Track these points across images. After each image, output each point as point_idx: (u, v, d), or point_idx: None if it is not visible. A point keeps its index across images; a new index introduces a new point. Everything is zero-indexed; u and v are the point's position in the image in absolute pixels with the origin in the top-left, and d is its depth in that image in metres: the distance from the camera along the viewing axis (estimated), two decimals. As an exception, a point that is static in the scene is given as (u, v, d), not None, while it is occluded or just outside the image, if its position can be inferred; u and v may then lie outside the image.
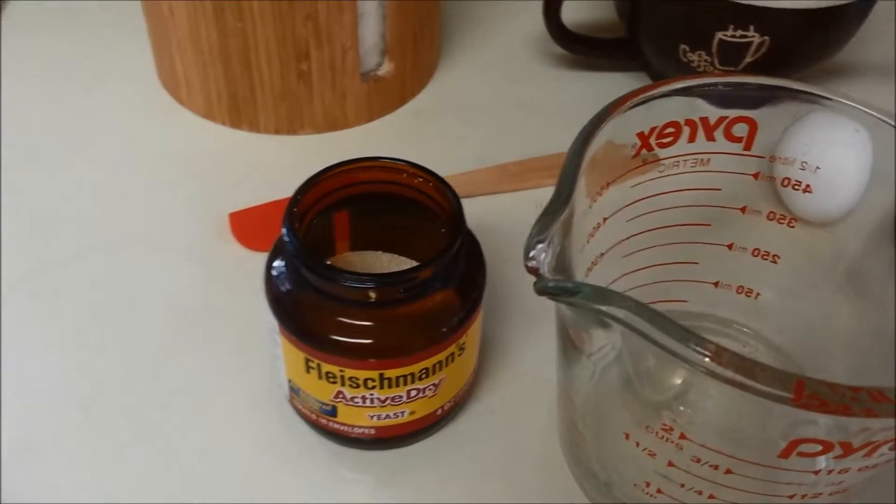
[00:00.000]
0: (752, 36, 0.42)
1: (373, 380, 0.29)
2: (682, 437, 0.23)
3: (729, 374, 0.19)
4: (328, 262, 0.28)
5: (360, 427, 0.31)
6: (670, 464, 0.24)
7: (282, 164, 0.44)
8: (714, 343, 0.20)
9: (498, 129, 0.47)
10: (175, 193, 0.42)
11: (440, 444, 0.33)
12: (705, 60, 0.44)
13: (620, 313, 0.21)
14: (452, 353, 0.30)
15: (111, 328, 0.36)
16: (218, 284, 0.38)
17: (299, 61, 0.42)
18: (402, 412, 0.31)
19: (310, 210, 0.31)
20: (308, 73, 0.43)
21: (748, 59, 0.43)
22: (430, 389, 0.30)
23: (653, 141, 0.29)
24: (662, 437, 0.23)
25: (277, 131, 0.46)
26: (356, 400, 0.30)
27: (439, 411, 0.32)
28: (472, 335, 0.31)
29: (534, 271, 0.23)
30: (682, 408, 0.23)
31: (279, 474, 0.32)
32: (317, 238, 0.32)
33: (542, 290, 0.22)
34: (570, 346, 0.26)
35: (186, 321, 0.37)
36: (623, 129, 0.28)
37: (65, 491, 0.31)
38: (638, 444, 0.24)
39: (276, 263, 0.30)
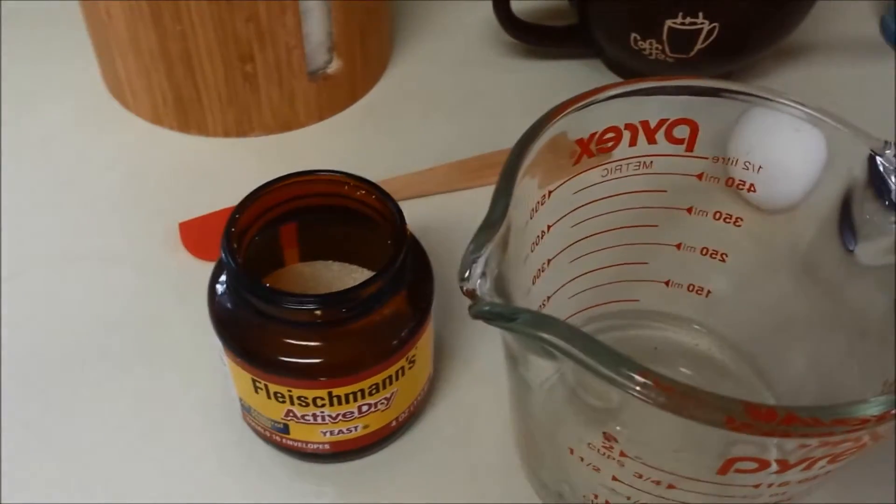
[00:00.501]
0: (702, 23, 0.41)
1: (322, 398, 0.29)
2: (622, 454, 0.23)
3: (662, 400, 0.19)
4: (268, 285, 0.28)
5: (314, 443, 0.31)
6: (614, 478, 0.24)
7: (233, 167, 0.44)
8: (646, 371, 0.19)
9: (454, 123, 0.47)
10: (123, 202, 0.42)
11: (398, 453, 0.32)
12: (657, 48, 0.43)
13: (556, 340, 0.20)
14: (402, 367, 0.30)
15: (58, 344, 0.36)
16: (169, 296, 0.37)
17: (243, 63, 0.42)
18: (356, 427, 0.30)
19: (251, 227, 0.30)
20: (254, 74, 0.42)
21: (699, 46, 0.43)
22: (382, 403, 0.30)
23: (593, 146, 0.28)
24: (604, 454, 0.23)
25: (227, 134, 0.45)
26: (307, 417, 0.30)
27: (394, 423, 0.32)
28: (423, 346, 0.31)
29: (470, 294, 0.23)
30: (618, 427, 0.23)
31: (237, 491, 0.31)
32: (262, 252, 0.32)
33: (478, 314, 0.22)
34: (514, 364, 0.26)
35: (136, 336, 0.36)
36: (561, 137, 0.27)
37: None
38: (582, 459, 0.24)
39: (219, 286, 0.30)
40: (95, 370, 0.35)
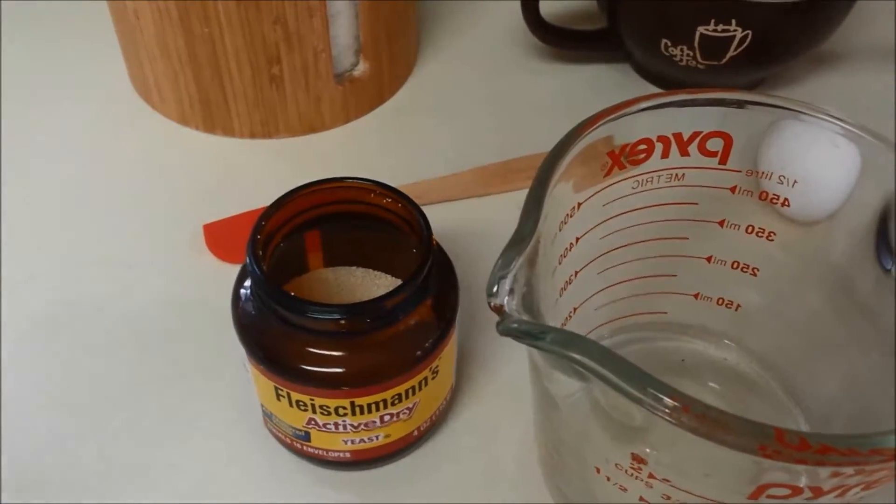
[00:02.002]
0: (734, 30, 0.41)
1: (344, 407, 0.29)
2: (651, 476, 0.22)
3: (692, 425, 0.19)
4: (293, 294, 0.28)
5: (335, 451, 0.31)
6: (642, 499, 0.24)
7: (258, 169, 0.44)
8: (676, 394, 0.19)
9: (479, 127, 0.46)
10: (148, 203, 0.42)
11: (418, 462, 0.32)
12: (687, 55, 0.43)
13: (585, 360, 0.20)
14: (426, 378, 0.30)
15: (80, 346, 0.36)
16: (192, 299, 0.37)
17: (270, 66, 0.41)
18: (377, 436, 0.30)
19: (276, 234, 0.30)
20: (280, 77, 0.42)
21: (731, 53, 0.42)
22: (403, 413, 0.30)
23: (624, 158, 0.28)
24: (632, 475, 0.23)
25: (252, 136, 0.45)
26: (328, 426, 0.29)
27: (415, 433, 0.31)
28: (447, 356, 0.31)
29: (498, 310, 0.22)
30: (647, 449, 0.22)
31: (258, 496, 0.31)
32: (287, 258, 0.32)
33: (506, 331, 0.22)
34: (539, 378, 0.25)
35: (159, 339, 0.36)
36: (592, 149, 0.27)
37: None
38: (609, 479, 0.24)
39: (243, 291, 0.30)
40: (117, 373, 0.35)
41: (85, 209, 0.41)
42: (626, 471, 0.23)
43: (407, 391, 0.29)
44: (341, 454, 0.31)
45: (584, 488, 0.27)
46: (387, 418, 0.30)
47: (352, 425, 0.29)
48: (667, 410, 0.19)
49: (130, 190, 0.42)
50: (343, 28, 0.43)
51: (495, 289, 0.22)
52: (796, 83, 0.49)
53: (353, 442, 0.30)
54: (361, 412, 0.29)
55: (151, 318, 0.37)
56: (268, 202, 0.30)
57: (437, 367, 0.30)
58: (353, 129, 0.46)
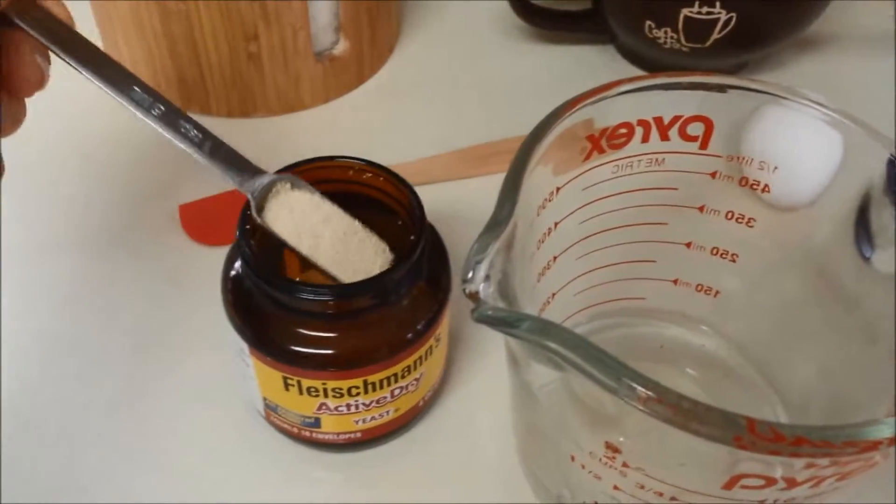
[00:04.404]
0: (719, 13, 0.40)
1: (357, 387, 0.28)
2: (625, 465, 0.22)
3: (666, 415, 0.19)
4: (298, 280, 0.27)
5: (346, 433, 0.30)
6: (616, 487, 0.23)
7: (236, 149, 0.43)
8: (651, 383, 0.19)
9: (462, 108, 0.46)
10: (122, 183, 0.41)
11: (402, 445, 0.32)
12: (671, 37, 0.42)
13: (559, 348, 0.20)
14: (431, 347, 0.30)
15: (54, 333, 0.35)
16: (167, 280, 0.37)
17: (248, 43, 0.41)
18: (388, 412, 0.30)
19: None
20: (258, 55, 0.41)
21: (715, 36, 0.42)
22: (412, 385, 0.30)
23: (604, 143, 0.27)
24: (606, 463, 0.23)
25: (230, 114, 0.44)
26: (341, 409, 0.29)
27: (421, 402, 0.31)
28: (445, 323, 0.31)
29: (473, 296, 0.22)
30: (621, 438, 0.22)
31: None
32: (274, 241, 0.31)
33: (481, 318, 0.21)
34: (516, 367, 0.25)
35: (130, 326, 0.35)
36: (571, 133, 0.26)
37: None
38: (584, 467, 0.24)
39: (234, 279, 0.29)
40: (94, 362, 0.34)
41: (58, 188, 0.41)
42: (600, 459, 0.23)
43: (415, 362, 0.29)
44: (352, 435, 0.30)
45: (559, 475, 0.27)
46: (397, 392, 0.29)
47: (364, 404, 0.29)
48: (640, 400, 0.19)
49: (105, 169, 0.42)
50: (322, 6, 0.42)
51: (470, 274, 0.22)
52: (780, 67, 0.48)
53: (364, 421, 0.30)
54: (374, 389, 0.29)
55: (124, 299, 0.36)
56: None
57: (439, 334, 0.30)
58: (333, 108, 0.45)
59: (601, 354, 0.20)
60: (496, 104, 0.46)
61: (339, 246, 0.29)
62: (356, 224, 0.29)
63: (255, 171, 0.29)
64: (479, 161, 0.42)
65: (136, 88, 0.28)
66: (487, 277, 0.22)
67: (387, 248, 0.29)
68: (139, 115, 0.28)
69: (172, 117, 0.28)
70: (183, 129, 0.28)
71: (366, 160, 0.30)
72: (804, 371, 0.31)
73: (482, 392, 0.33)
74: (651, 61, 0.46)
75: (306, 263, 0.29)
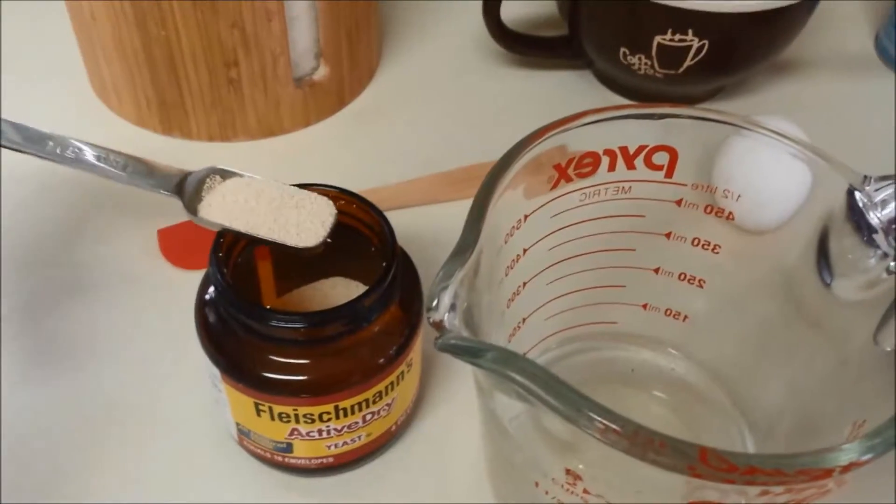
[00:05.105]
0: (691, 40, 0.41)
1: (328, 413, 0.29)
2: (586, 491, 0.23)
3: (623, 445, 0.19)
4: (270, 308, 0.27)
5: (318, 458, 0.31)
6: (579, 513, 0.24)
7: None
8: (609, 415, 0.19)
9: (441, 132, 0.46)
10: (103, 207, 0.41)
11: (392, 459, 0.32)
12: (645, 63, 0.43)
13: (521, 379, 0.20)
14: (403, 372, 0.30)
15: (28, 361, 0.35)
16: (145, 306, 0.37)
17: (228, 69, 0.41)
18: (360, 437, 0.30)
19: (236, 246, 0.30)
20: (238, 80, 0.42)
21: (688, 63, 0.42)
22: (384, 410, 0.30)
23: (571, 171, 0.28)
24: (568, 490, 0.23)
25: (211, 138, 0.44)
26: (312, 434, 0.29)
27: (394, 427, 0.32)
28: (417, 348, 0.31)
29: (437, 325, 0.22)
30: (581, 465, 0.22)
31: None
32: (244, 271, 0.31)
33: (444, 347, 0.22)
34: (483, 395, 0.25)
35: (107, 350, 0.35)
36: (538, 162, 0.27)
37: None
38: (547, 493, 0.24)
39: (209, 309, 0.29)
40: (69, 385, 0.34)
41: (39, 210, 0.41)
42: (562, 486, 0.23)
43: (387, 387, 0.29)
44: (324, 460, 0.31)
45: (524, 500, 0.27)
46: (369, 417, 0.30)
47: (335, 429, 0.29)
48: (599, 431, 0.19)
49: (85, 192, 0.42)
50: (302, 32, 0.42)
51: (434, 303, 0.22)
52: (755, 92, 0.49)
53: (336, 446, 0.30)
54: (345, 414, 0.29)
55: (103, 327, 0.36)
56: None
57: (411, 360, 0.30)
58: (314, 133, 0.46)
59: (562, 386, 0.20)
60: (475, 128, 0.46)
61: (276, 213, 0.29)
62: (290, 189, 0.30)
63: (182, 174, 0.31)
64: (458, 185, 0.43)
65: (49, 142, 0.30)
66: (453, 306, 0.22)
67: (330, 202, 0.30)
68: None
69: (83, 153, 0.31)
70: (101, 160, 0.30)
71: (338, 187, 0.31)
72: (772, 393, 0.31)
73: (456, 416, 0.34)
74: (627, 87, 0.47)
75: (253, 243, 0.30)
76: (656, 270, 0.31)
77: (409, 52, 0.51)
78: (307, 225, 0.29)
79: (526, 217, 0.28)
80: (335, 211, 0.29)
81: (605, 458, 0.21)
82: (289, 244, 0.29)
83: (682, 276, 0.31)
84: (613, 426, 0.19)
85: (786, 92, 0.50)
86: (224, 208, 0.30)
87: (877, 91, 0.50)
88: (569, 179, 0.28)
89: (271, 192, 0.30)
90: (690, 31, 0.41)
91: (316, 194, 0.30)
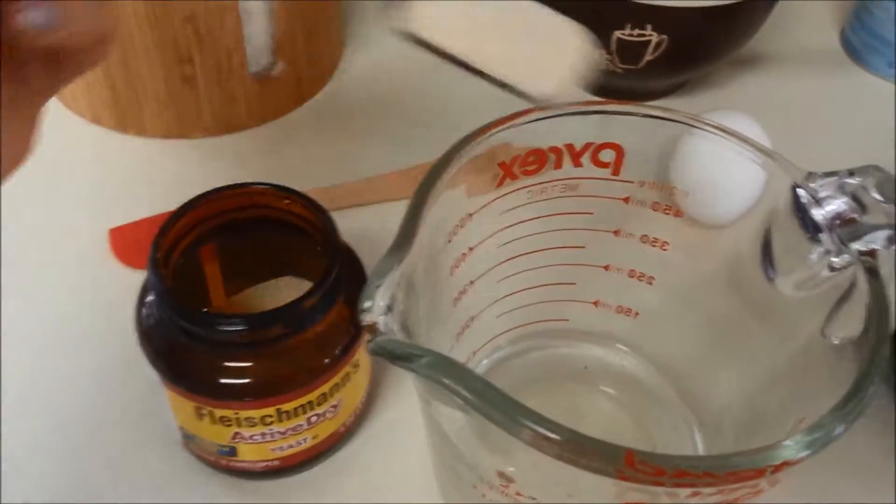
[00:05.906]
0: (650, 35, 0.41)
1: (270, 416, 0.28)
2: (518, 494, 0.22)
3: (554, 451, 0.19)
4: (205, 310, 0.27)
5: (264, 461, 0.30)
6: (515, 515, 0.24)
7: (171, 170, 0.43)
8: (539, 420, 0.19)
9: (401, 129, 0.46)
10: (54, 205, 0.41)
11: (324, 471, 0.32)
12: (605, 59, 0.43)
13: (453, 385, 0.20)
14: (348, 373, 0.29)
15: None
16: (93, 306, 0.37)
17: (182, 65, 0.41)
18: (305, 439, 0.30)
19: (177, 246, 0.29)
20: (193, 76, 0.41)
21: (648, 58, 0.42)
22: (329, 412, 0.30)
23: (516, 169, 0.28)
24: (502, 492, 0.23)
25: (167, 135, 0.44)
26: (255, 437, 0.29)
27: (342, 429, 0.31)
28: (363, 350, 0.30)
29: (370, 328, 0.22)
30: (511, 469, 0.22)
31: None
32: (188, 271, 0.31)
33: (376, 350, 0.21)
34: (425, 401, 0.25)
35: (52, 350, 0.35)
36: (482, 160, 0.27)
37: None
38: (484, 496, 0.24)
39: (146, 311, 0.29)
40: (13, 384, 0.34)
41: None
42: (496, 488, 0.23)
43: (332, 388, 0.29)
44: (269, 463, 0.30)
45: (465, 501, 0.27)
46: (314, 419, 0.29)
47: (279, 432, 0.29)
48: (528, 437, 0.19)
49: (38, 190, 0.41)
50: (258, 27, 0.42)
51: (368, 304, 0.21)
52: (719, 87, 0.49)
53: (281, 449, 0.30)
54: (288, 417, 0.28)
55: (51, 328, 0.36)
56: (178, 205, 0.29)
57: (357, 361, 0.30)
58: (272, 129, 0.45)
59: (495, 393, 0.19)
60: (434, 125, 0.46)
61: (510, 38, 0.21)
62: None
63: None
64: (416, 182, 0.42)
65: None
66: (390, 308, 0.22)
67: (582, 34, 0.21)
68: None
69: None
70: None
71: (281, 185, 0.30)
72: (720, 389, 0.31)
73: (407, 417, 0.33)
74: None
75: (199, 242, 0.28)
76: (606, 267, 0.31)
77: (371, 49, 0.50)
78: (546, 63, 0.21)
79: (471, 215, 0.28)
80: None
81: (536, 462, 0.21)
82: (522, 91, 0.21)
83: (632, 273, 0.31)
84: (544, 432, 0.19)
85: (751, 87, 0.49)
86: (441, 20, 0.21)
87: (842, 86, 0.50)
88: (514, 177, 0.28)
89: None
90: (649, 27, 0.40)
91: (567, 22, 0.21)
